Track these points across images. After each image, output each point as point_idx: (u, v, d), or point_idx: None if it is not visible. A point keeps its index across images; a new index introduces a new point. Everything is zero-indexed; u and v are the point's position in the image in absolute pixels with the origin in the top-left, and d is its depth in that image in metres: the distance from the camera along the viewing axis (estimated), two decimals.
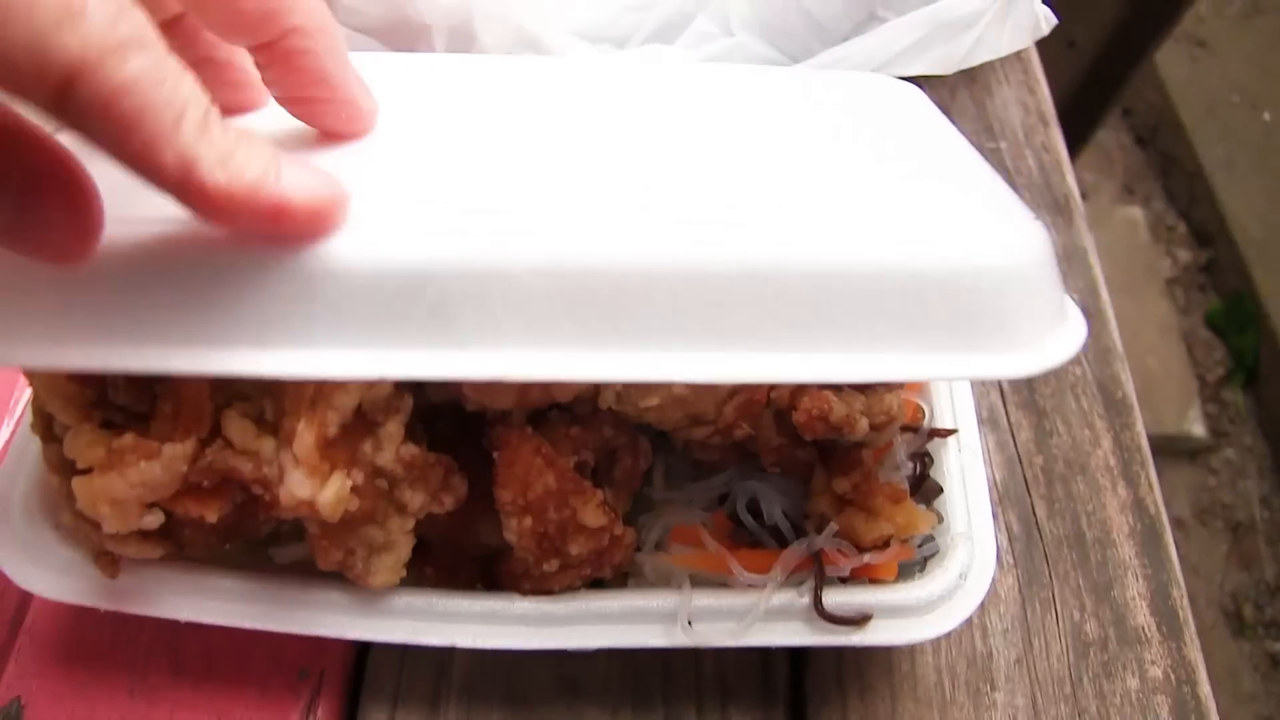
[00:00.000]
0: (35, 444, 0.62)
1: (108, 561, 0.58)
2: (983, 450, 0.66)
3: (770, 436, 0.60)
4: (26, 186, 0.39)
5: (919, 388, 0.68)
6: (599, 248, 0.45)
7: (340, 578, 0.60)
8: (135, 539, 0.57)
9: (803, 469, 0.63)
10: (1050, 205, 0.91)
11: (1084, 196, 1.05)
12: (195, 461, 0.51)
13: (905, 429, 0.65)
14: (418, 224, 0.47)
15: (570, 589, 0.60)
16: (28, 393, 0.73)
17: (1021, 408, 0.79)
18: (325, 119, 0.51)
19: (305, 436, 0.50)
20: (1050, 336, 0.47)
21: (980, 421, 0.74)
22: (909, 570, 0.62)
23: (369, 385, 0.52)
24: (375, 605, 0.59)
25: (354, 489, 0.51)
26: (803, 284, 0.45)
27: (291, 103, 0.50)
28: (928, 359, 0.46)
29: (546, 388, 0.55)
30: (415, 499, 0.54)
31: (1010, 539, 0.74)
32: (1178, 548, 0.75)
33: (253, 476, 0.51)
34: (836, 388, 0.60)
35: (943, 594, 0.60)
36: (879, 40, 0.78)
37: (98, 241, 0.42)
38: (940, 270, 0.45)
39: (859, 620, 0.58)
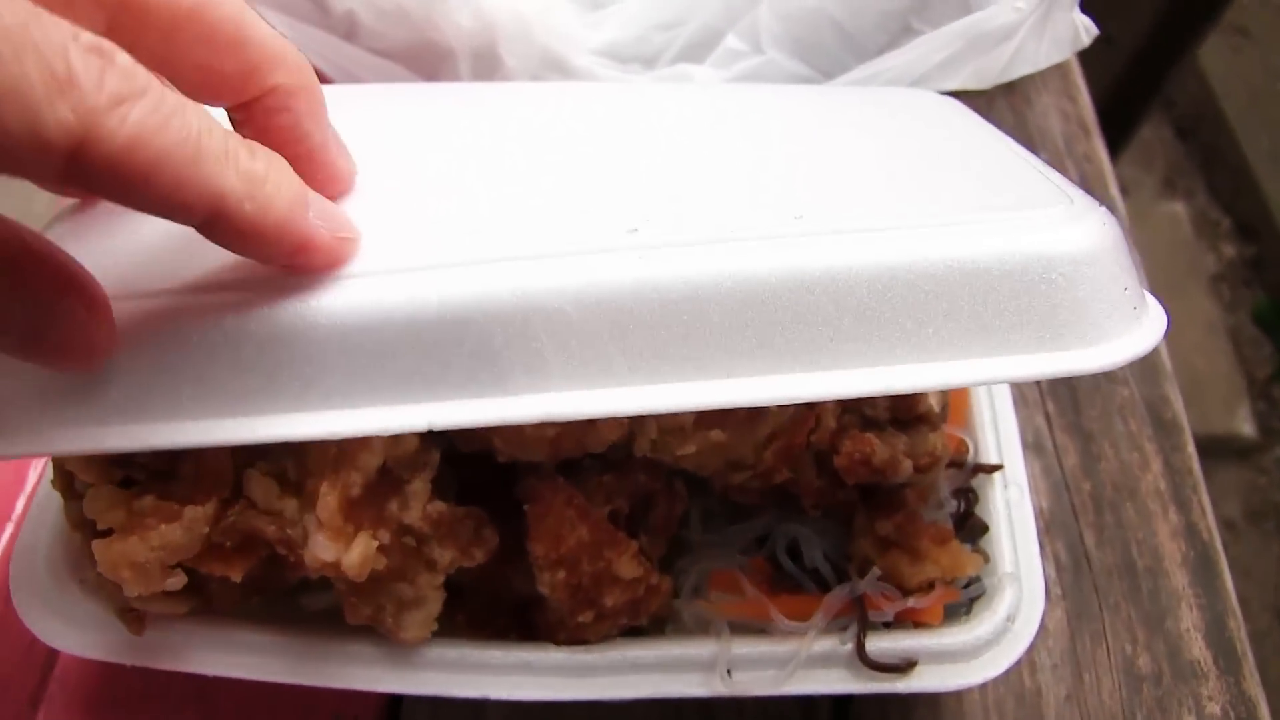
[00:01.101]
0: (58, 499, 0.61)
1: (133, 619, 0.57)
2: (1028, 477, 0.64)
3: (811, 479, 0.58)
4: (49, 291, 0.38)
5: (963, 422, 0.66)
6: (644, 273, 0.43)
7: (370, 629, 0.59)
8: (160, 596, 0.56)
9: (844, 510, 0.61)
10: None
11: (1124, 192, 1.01)
12: (217, 523, 0.50)
13: (949, 464, 0.63)
14: (446, 264, 0.45)
15: (606, 638, 0.58)
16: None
17: (1067, 431, 0.77)
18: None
19: (328, 499, 0.48)
20: (1130, 326, 0.44)
21: (1025, 447, 0.71)
22: (955, 612, 0.60)
23: (394, 442, 0.50)
24: (406, 658, 0.57)
25: (381, 548, 0.50)
26: (863, 291, 0.42)
27: None
28: (1004, 361, 0.43)
29: (580, 437, 0.53)
30: (445, 555, 0.53)
31: (1058, 569, 0.71)
32: (1227, 550, 0.73)
33: (277, 538, 0.50)
34: (879, 427, 0.58)
35: (990, 638, 0.57)
36: (914, 54, 0.76)
37: (115, 341, 0.41)
38: (1008, 262, 0.43)
39: (904, 667, 0.56)
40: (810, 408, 0.57)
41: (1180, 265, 2.02)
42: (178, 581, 0.51)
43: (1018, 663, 0.57)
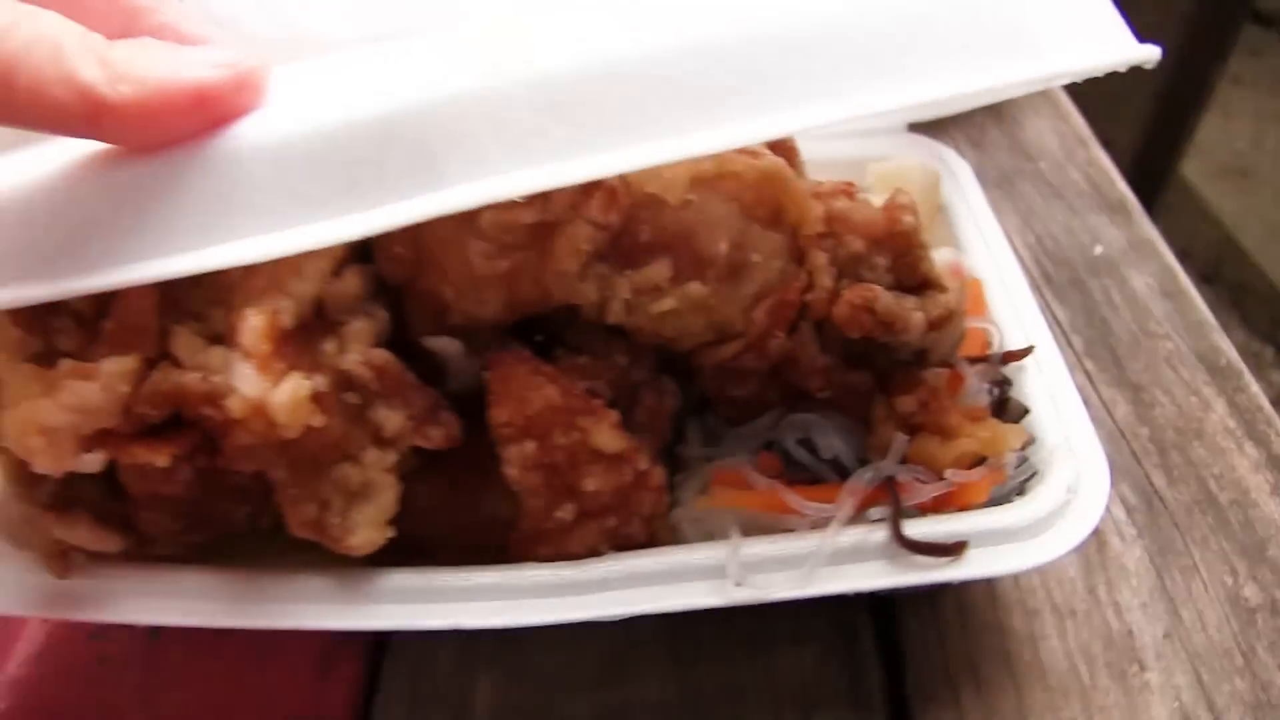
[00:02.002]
0: None
1: (57, 555, 0.49)
2: None
3: (813, 354, 0.52)
4: None
5: (981, 313, 0.59)
6: (581, 45, 0.40)
7: (330, 558, 0.51)
8: (86, 524, 0.49)
9: (858, 401, 0.53)
10: (1106, 207, 0.85)
11: None
12: (139, 384, 0.44)
13: (975, 360, 0.56)
14: (366, 72, 0.43)
15: (594, 552, 0.50)
16: None
17: (1112, 385, 0.69)
18: None
19: (254, 323, 0.43)
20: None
21: None
22: (1003, 499, 0.51)
23: (331, 274, 0.45)
24: (362, 589, 0.49)
25: (317, 398, 0.44)
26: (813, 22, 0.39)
27: None
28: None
29: (536, 276, 0.47)
30: (392, 419, 0.46)
31: (1128, 511, 0.62)
32: None
33: (200, 390, 0.43)
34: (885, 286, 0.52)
35: (1052, 511, 0.48)
36: None
37: None
38: None
39: (953, 548, 0.47)
40: (800, 263, 0.51)
41: None
42: (95, 460, 0.44)
43: (1090, 537, 0.48)
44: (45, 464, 0.44)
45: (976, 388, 0.54)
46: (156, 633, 0.58)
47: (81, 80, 0.36)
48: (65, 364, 0.44)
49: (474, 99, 0.39)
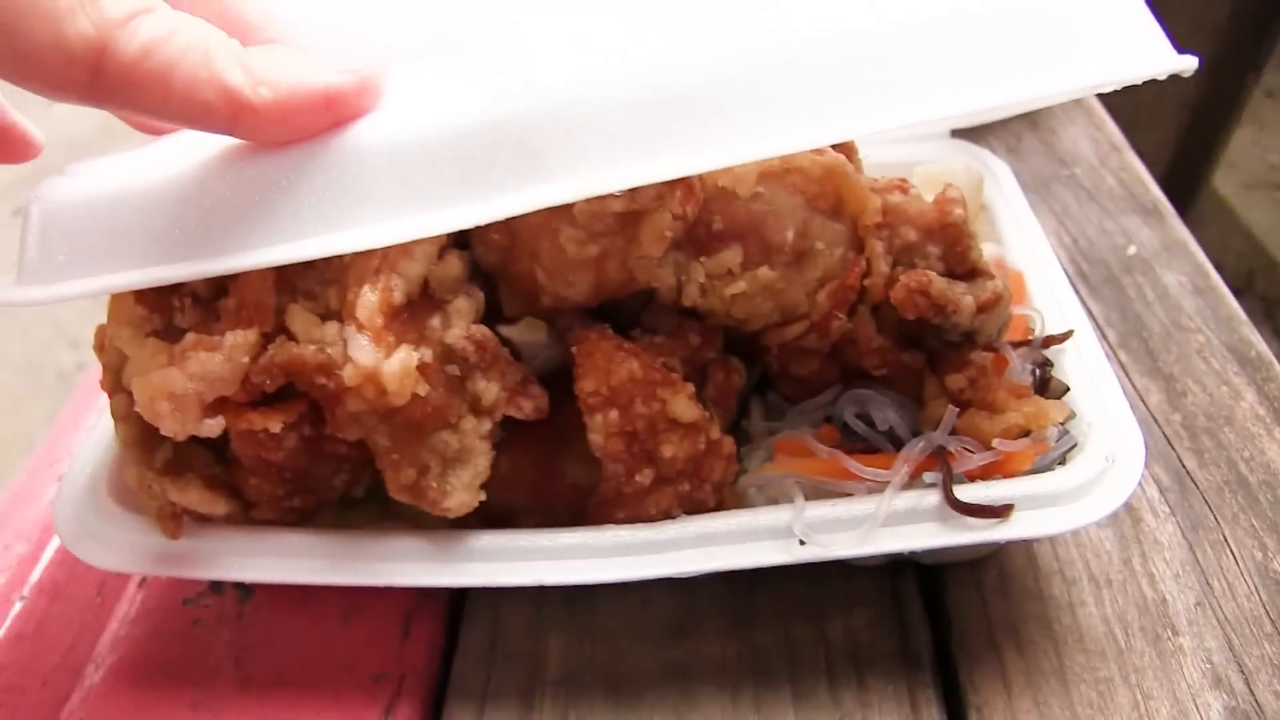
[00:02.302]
0: (100, 440, 0.60)
1: (169, 516, 0.54)
2: None
3: (870, 335, 0.56)
4: None
5: (1022, 302, 0.63)
6: (672, 56, 0.44)
7: (416, 525, 0.55)
8: (197, 489, 0.53)
9: (911, 379, 0.57)
10: (1139, 210, 0.88)
11: None
12: (257, 357, 0.49)
13: (1017, 344, 0.60)
14: (474, 76, 0.47)
15: (668, 515, 0.53)
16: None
17: (1146, 375, 0.73)
18: None
19: (369, 298, 0.47)
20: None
21: None
22: (1046, 469, 0.54)
23: (436, 257, 0.50)
24: (455, 548, 0.53)
25: (422, 369, 0.48)
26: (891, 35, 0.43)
27: None
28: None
29: (626, 267, 0.51)
30: (490, 390, 0.50)
31: (1161, 490, 0.65)
32: None
33: (315, 361, 0.48)
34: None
35: (1092, 478, 0.52)
36: None
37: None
38: None
39: (1000, 510, 0.51)
40: (859, 251, 0.55)
41: None
42: (215, 425, 0.48)
43: (1127, 502, 0.51)
44: (171, 427, 0.48)
45: (1020, 368, 0.58)
46: (247, 596, 0.62)
47: (229, 83, 0.40)
48: (190, 338, 0.48)
49: (576, 101, 0.44)
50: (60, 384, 1.92)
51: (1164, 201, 0.89)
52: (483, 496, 0.52)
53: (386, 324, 0.47)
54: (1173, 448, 0.68)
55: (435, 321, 0.49)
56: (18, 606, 0.64)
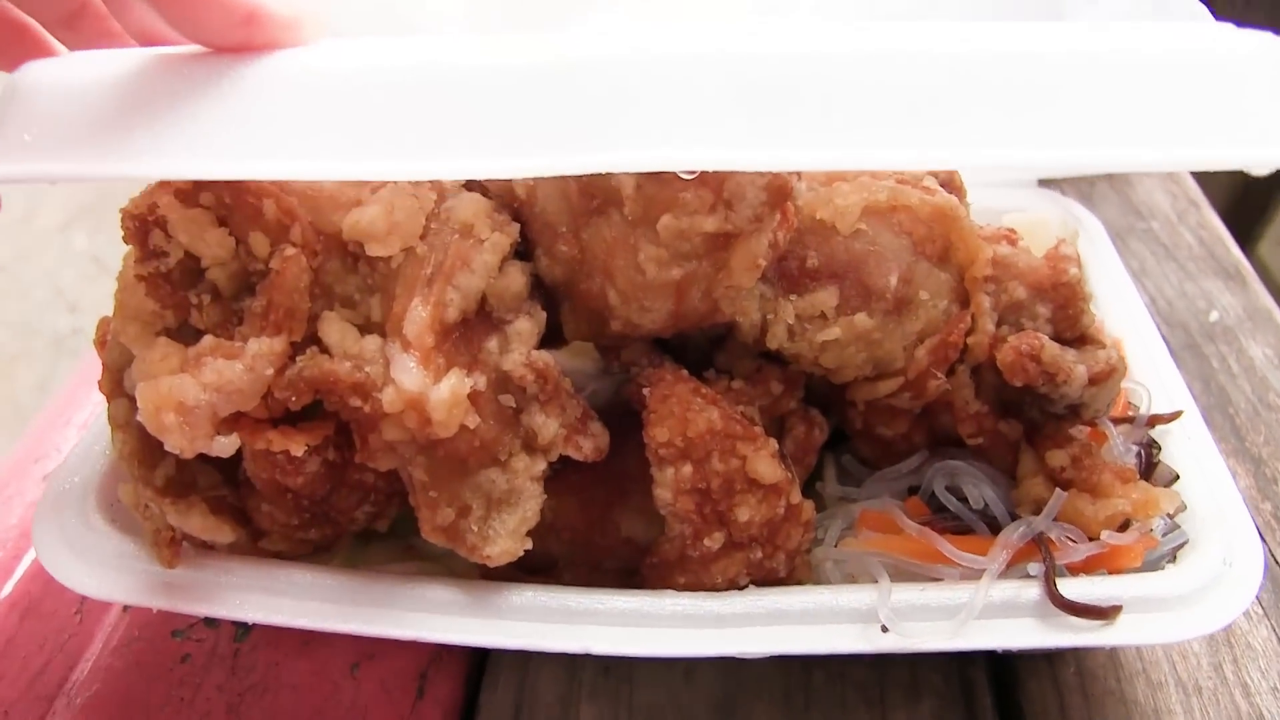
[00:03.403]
0: (94, 443, 0.53)
1: (167, 542, 0.47)
2: None
3: (968, 399, 0.50)
4: None
5: (1126, 374, 0.57)
6: (778, 45, 0.38)
7: (441, 566, 0.49)
8: (202, 510, 0.47)
9: (1005, 450, 0.51)
10: (1220, 273, 0.83)
11: None
12: (284, 369, 0.42)
13: (1119, 420, 0.54)
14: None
15: (734, 584, 0.47)
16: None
17: (1233, 456, 0.67)
18: None
19: (418, 313, 0.41)
20: None
21: None
22: (1154, 565, 0.49)
23: (497, 269, 0.43)
24: (491, 602, 0.47)
25: (474, 397, 0.42)
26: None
27: None
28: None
29: (711, 297, 0.45)
30: (548, 427, 0.44)
31: None
32: None
33: (351, 380, 0.41)
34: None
35: (1207, 583, 0.46)
36: None
37: None
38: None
39: (1108, 611, 0.45)
40: (964, 305, 0.49)
41: None
42: (229, 444, 0.42)
43: (1239, 618, 0.46)
44: (178, 443, 0.41)
45: (1122, 448, 0.53)
46: (244, 634, 0.56)
47: None
48: (207, 341, 0.42)
49: (666, 68, 0.38)
50: (54, 349, 1.85)
51: (1246, 265, 0.84)
52: (528, 545, 0.45)
53: (437, 344, 0.41)
54: (1263, 539, 0.62)
55: (492, 344, 0.43)
56: None
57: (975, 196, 0.67)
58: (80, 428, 0.67)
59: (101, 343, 0.52)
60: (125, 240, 0.45)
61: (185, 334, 0.45)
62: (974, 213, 0.59)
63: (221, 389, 0.41)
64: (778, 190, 0.42)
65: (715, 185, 0.42)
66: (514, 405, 0.44)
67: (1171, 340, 0.75)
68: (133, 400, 0.47)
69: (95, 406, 0.68)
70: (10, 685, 0.54)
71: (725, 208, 0.43)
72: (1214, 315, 0.78)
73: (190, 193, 0.43)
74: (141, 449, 0.47)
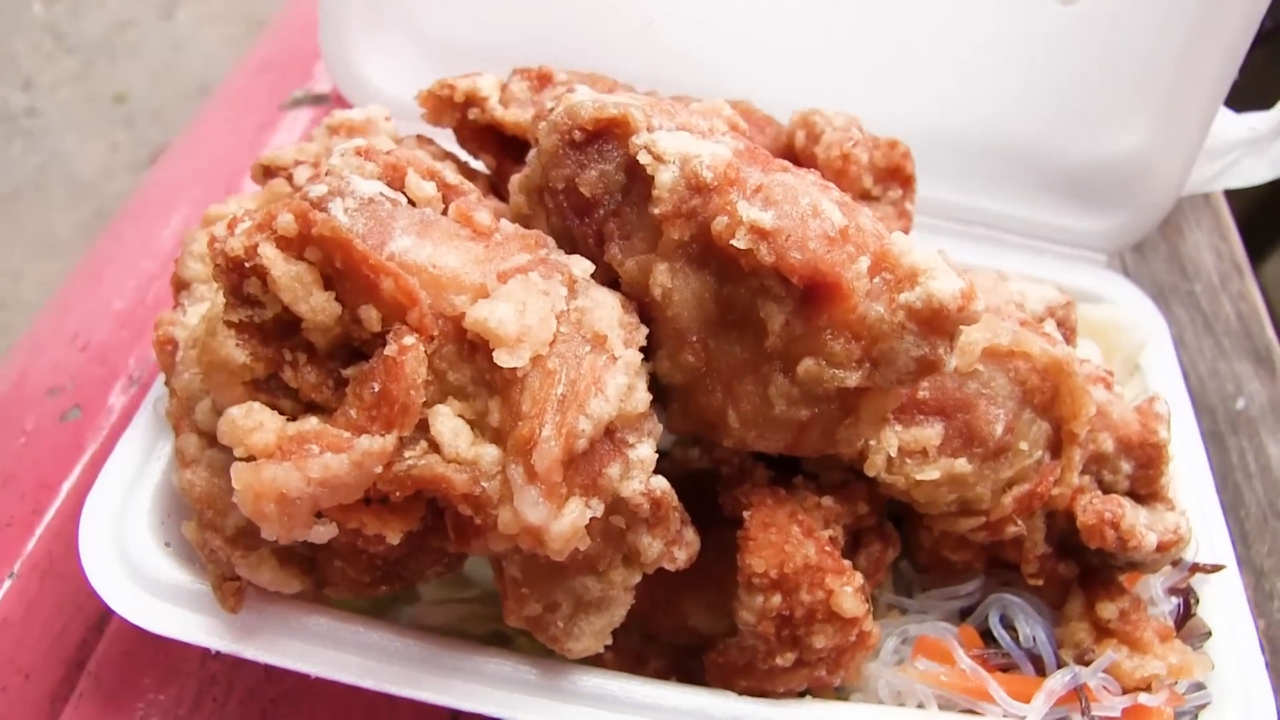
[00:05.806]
0: (155, 452, 0.51)
1: (232, 590, 0.46)
2: None
3: (1038, 542, 0.51)
4: None
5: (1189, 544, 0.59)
6: None
7: (507, 641, 0.49)
8: (272, 564, 0.45)
9: (1059, 588, 0.53)
10: (1253, 355, 0.84)
11: None
12: (391, 464, 0.40)
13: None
14: None
15: (792, 692, 0.49)
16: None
17: (1238, 564, 0.70)
18: None
19: (550, 448, 0.39)
20: None
21: None
22: None
23: (629, 391, 0.42)
24: (556, 684, 0.47)
25: (589, 524, 0.41)
26: None
27: None
28: None
29: (831, 436, 0.44)
30: (653, 548, 0.43)
31: None
32: None
33: (463, 491, 0.40)
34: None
35: None
36: None
37: None
38: None
39: None
40: (1056, 455, 0.50)
41: None
42: (326, 532, 0.40)
43: None
44: (275, 532, 0.39)
45: (1161, 595, 0.54)
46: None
47: None
48: (312, 426, 0.40)
49: None
50: (6, 128, 1.72)
51: (1276, 347, 0.85)
52: (609, 642, 0.46)
53: (565, 477, 0.39)
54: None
55: (613, 470, 0.41)
56: (7, 585, 0.55)
57: (1046, 270, 0.67)
58: (90, 354, 0.64)
59: (163, 346, 0.49)
60: (215, 279, 0.42)
61: (274, 387, 0.43)
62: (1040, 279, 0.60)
63: (327, 483, 0.39)
64: (929, 365, 0.40)
65: (867, 341, 0.40)
66: (623, 525, 0.43)
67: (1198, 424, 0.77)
68: (205, 436, 0.45)
69: (106, 330, 0.64)
70: (31, 650, 0.54)
71: (872, 366, 0.41)
72: (1240, 403, 0.79)
73: (294, 243, 0.40)
74: (212, 493, 0.45)
